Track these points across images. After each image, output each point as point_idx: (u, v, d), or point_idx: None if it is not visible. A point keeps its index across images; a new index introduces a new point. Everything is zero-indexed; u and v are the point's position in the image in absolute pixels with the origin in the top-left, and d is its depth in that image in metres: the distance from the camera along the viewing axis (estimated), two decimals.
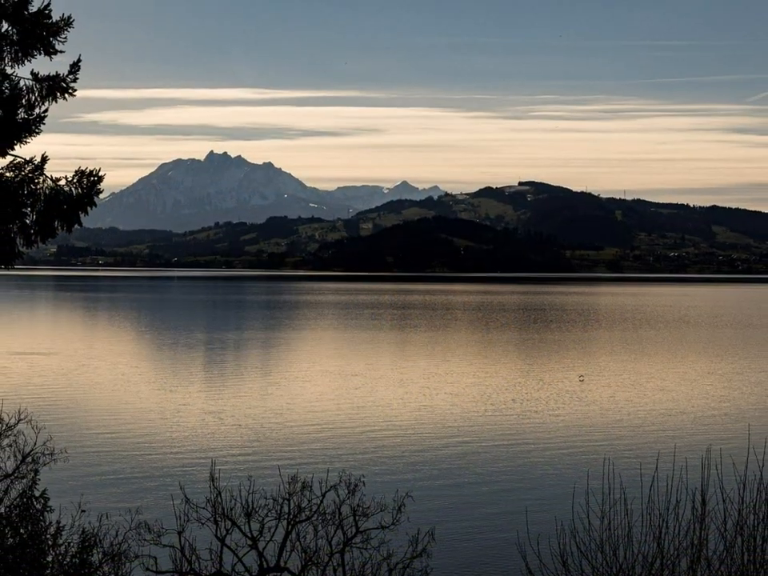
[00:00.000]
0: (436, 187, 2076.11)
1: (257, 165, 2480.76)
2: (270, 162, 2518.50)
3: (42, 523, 23.65)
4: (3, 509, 24.19)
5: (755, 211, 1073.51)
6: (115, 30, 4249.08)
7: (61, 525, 23.51)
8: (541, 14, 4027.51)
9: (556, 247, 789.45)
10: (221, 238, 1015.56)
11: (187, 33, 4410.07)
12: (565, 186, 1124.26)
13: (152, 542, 22.80)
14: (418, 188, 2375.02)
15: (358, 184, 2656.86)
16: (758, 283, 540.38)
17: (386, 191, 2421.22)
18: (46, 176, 20.80)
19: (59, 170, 20.99)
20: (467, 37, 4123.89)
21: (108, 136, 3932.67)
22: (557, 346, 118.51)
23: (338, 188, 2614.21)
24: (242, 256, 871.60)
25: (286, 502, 23.09)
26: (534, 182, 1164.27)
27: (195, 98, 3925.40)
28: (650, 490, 17.78)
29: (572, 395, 74.70)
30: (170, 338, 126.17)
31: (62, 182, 20.83)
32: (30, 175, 20.70)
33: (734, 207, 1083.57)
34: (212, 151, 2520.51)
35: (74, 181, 20.91)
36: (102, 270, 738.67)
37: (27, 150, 20.91)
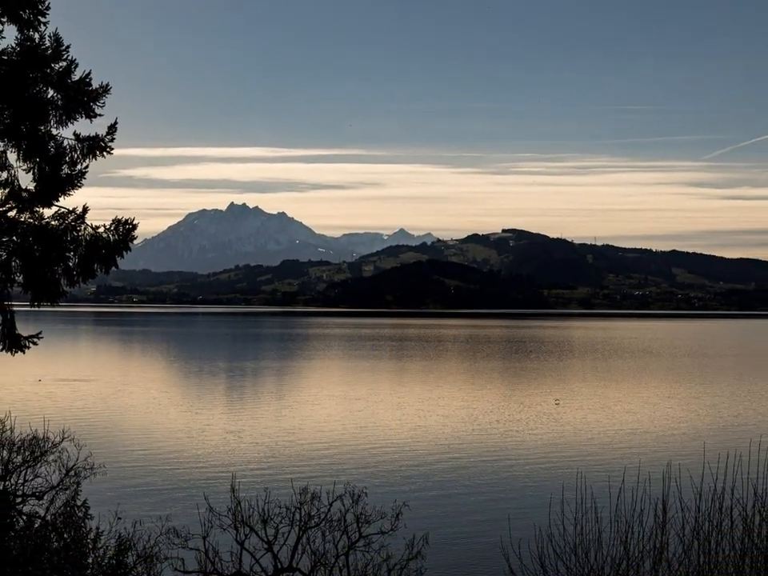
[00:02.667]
0: (429, 234, 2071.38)
1: (272, 214, 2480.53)
2: (283, 212, 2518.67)
3: (83, 529, 23.68)
4: (49, 516, 24.20)
5: (710, 255, 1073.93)
6: (148, 96, 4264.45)
7: (100, 530, 23.53)
8: (521, 82, 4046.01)
9: (535, 287, 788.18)
10: (240, 278, 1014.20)
11: (211, 98, 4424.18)
12: (542, 233, 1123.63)
13: (180, 545, 22.79)
14: (413, 235, 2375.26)
15: (361, 231, 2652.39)
16: (713, 318, 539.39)
17: (385, 237, 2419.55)
18: (87, 224, 20.92)
19: (98, 219, 21.10)
20: (457, 103, 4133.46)
21: (141, 189, 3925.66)
22: (535, 374, 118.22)
23: (344, 235, 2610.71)
24: (259, 294, 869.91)
25: (297, 510, 23.07)
26: (515, 229, 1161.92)
27: (218, 155, 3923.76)
28: (618, 499, 17.73)
29: (549, 417, 74.53)
30: (196, 367, 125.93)
31: (101, 230, 20.96)
32: (72, 223, 20.82)
33: (691, 252, 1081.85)
34: (232, 202, 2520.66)
35: (111, 228, 21.04)
36: (135, 306, 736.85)
37: (70, 201, 21.08)
